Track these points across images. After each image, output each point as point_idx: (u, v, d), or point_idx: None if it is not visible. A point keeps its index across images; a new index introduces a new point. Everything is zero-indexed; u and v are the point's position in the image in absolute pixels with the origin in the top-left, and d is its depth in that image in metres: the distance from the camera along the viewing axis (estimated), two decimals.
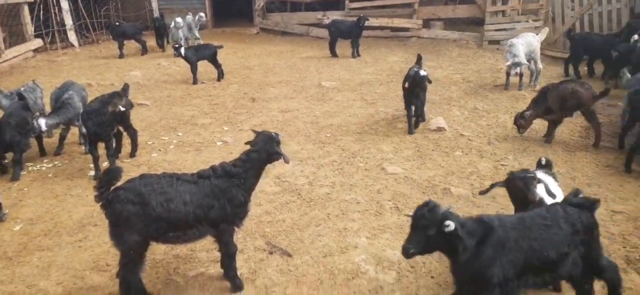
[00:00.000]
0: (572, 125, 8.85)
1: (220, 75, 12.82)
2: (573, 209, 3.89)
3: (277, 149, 4.58)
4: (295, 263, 5.10)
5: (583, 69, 12.29)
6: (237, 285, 4.67)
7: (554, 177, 4.83)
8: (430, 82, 8.64)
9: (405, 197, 6.55)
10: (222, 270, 4.75)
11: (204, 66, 13.02)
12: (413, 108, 8.57)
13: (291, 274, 4.93)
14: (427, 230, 3.52)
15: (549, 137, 8.18)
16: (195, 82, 12.48)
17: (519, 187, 4.53)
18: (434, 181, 6.95)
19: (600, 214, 5.17)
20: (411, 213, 3.71)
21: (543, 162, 4.98)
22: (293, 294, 4.69)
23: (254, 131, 4.82)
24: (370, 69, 13.73)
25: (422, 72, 8.39)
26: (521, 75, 10.99)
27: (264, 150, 4.53)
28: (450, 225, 3.45)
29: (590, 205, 3.96)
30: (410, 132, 8.62)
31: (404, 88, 8.60)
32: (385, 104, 10.56)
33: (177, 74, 13.75)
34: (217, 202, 4.37)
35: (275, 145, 4.58)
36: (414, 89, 8.37)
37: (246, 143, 4.74)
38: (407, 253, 3.58)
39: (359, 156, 7.92)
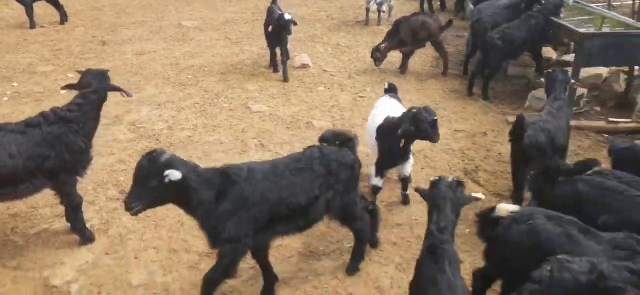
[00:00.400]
0: (425, 57, 9.45)
1: (64, 18, 11.40)
2: (331, 149, 3.81)
3: (112, 84, 4.22)
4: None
5: (436, 3, 13.11)
6: (86, 237, 4.32)
7: (399, 101, 5.12)
8: (295, 24, 8.51)
9: (270, 134, 6.53)
10: (69, 224, 4.35)
11: (43, 8, 11.47)
12: (278, 50, 8.40)
13: (149, 220, 4.67)
14: (148, 182, 3.12)
15: (403, 68, 8.66)
16: (32, 26, 10.95)
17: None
18: (298, 116, 7.02)
19: (444, 134, 5.63)
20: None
21: (386, 87, 5.24)
22: (152, 239, 4.48)
23: (79, 72, 4.37)
24: (234, 8, 13.24)
25: (287, 16, 8.16)
26: (381, 11, 11.40)
27: (102, 89, 4.12)
28: (172, 174, 3.06)
29: (348, 141, 3.89)
30: (276, 71, 8.53)
31: (268, 31, 8.37)
32: (250, 43, 10.30)
33: (11, 18, 11.97)
34: (53, 151, 3.92)
35: (108, 80, 4.21)
36: (280, 34, 8.17)
37: (68, 87, 4.27)
38: (129, 208, 3.16)
39: (223, 97, 7.68)
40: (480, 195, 3.30)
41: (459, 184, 3.25)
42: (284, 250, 4.44)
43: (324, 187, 3.67)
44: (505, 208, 3.05)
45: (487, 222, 3.18)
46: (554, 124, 4.85)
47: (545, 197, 3.87)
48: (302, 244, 4.54)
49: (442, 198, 3.11)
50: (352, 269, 4.17)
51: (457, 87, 8.10)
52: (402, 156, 4.74)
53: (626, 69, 7.23)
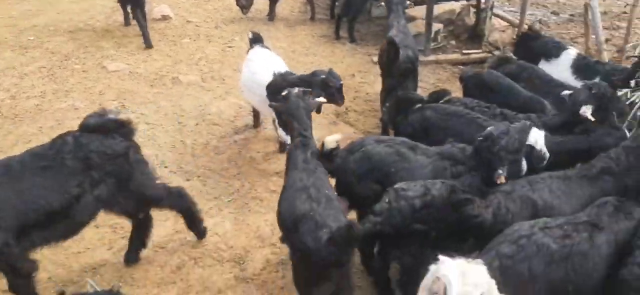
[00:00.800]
0: (292, 2, 9.33)
1: None
2: (91, 138, 3.14)
3: None
4: None
5: None
6: None
7: (269, 50, 4.98)
8: None
9: (131, 94, 6.02)
10: None
11: None
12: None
13: None
14: None
15: (271, 14, 8.47)
16: None
17: None
18: (162, 72, 6.55)
19: None
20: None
21: (250, 36, 5.01)
22: None
23: None
24: None
25: None
26: None
27: None
28: None
29: (119, 127, 3.32)
30: (126, 23, 7.81)
31: None
32: None
33: None
34: None
35: None
36: None
37: None
38: None
39: (74, 58, 6.89)
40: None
41: (305, 92, 3.54)
42: (159, 213, 4.19)
43: (86, 184, 3.08)
44: (332, 139, 3.26)
45: (325, 158, 3.31)
46: (410, 40, 5.31)
47: (399, 125, 4.13)
48: None
49: (296, 107, 3.40)
50: (201, 232, 3.95)
51: (325, 32, 8.15)
52: None
53: (474, 2, 7.80)
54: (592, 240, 2.69)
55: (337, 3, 8.54)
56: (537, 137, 3.29)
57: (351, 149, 3.53)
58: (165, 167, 4.77)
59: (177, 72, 6.55)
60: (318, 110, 4.32)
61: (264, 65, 4.79)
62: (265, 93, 4.61)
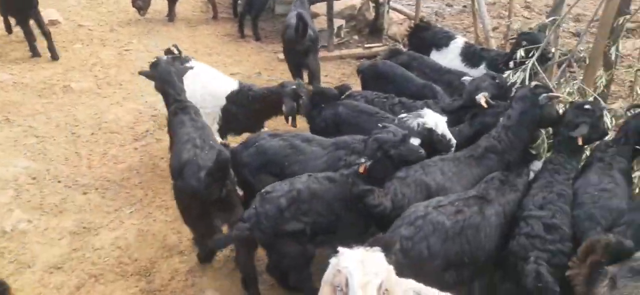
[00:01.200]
0: (193, 2, 9.08)
1: None
2: None
3: None
4: None
5: None
6: None
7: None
8: None
9: (17, 105, 5.54)
10: None
11: None
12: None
13: None
14: None
15: (171, 15, 8.17)
16: None
17: None
18: (52, 81, 6.08)
19: None
20: None
21: (176, 51, 4.40)
22: None
23: None
24: None
25: None
26: None
27: None
28: None
29: None
30: (9, 31, 7.15)
31: None
32: None
33: None
34: None
35: None
36: None
37: None
38: None
39: None
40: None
41: (175, 57, 3.81)
42: (53, 232, 3.90)
43: None
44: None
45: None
46: (311, 22, 5.67)
47: (313, 119, 4.16)
48: (73, 221, 4.03)
49: (167, 73, 3.62)
50: None
51: (229, 30, 8.01)
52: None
53: None
54: (482, 213, 2.87)
55: (239, 1, 8.43)
56: (437, 121, 3.39)
57: (246, 144, 3.57)
58: (59, 181, 4.45)
59: (69, 79, 6.12)
60: (294, 124, 4.32)
61: (211, 76, 4.60)
62: (219, 104, 4.43)
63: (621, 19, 3.93)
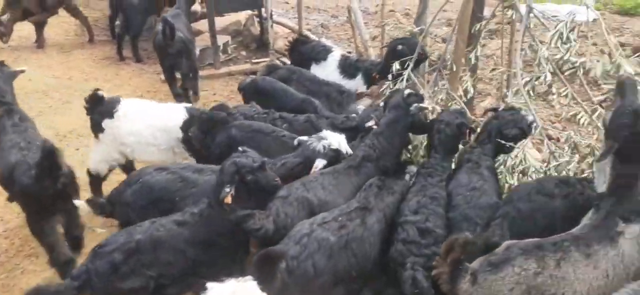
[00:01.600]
0: (66, 25, 8.46)
1: None
2: None
3: None
4: None
5: None
6: None
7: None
8: None
9: None
10: None
11: None
12: None
13: None
14: None
15: (40, 40, 7.54)
16: None
17: None
18: None
19: None
20: None
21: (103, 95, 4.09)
22: None
23: None
24: None
25: None
26: None
27: None
28: None
29: None
30: None
31: None
32: None
33: None
34: None
35: None
36: None
37: None
38: None
39: None
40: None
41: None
42: None
43: None
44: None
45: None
46: (182, 26, 5.76)
47: (208, 147, 3.94)
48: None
49: None
50: None
51: (107, 53, 7.57)
52: None
53: (256, 12, 8.01)
54: (364, 223, 2.92)
55: (117, 22, 7.99)
56: (339, 140, 3.45)
57: (129, 181, 3.29)
58: None
59: None
60: None
61: (157, 109, 4.22)
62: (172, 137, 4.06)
63: (477, 25, 4.22)
